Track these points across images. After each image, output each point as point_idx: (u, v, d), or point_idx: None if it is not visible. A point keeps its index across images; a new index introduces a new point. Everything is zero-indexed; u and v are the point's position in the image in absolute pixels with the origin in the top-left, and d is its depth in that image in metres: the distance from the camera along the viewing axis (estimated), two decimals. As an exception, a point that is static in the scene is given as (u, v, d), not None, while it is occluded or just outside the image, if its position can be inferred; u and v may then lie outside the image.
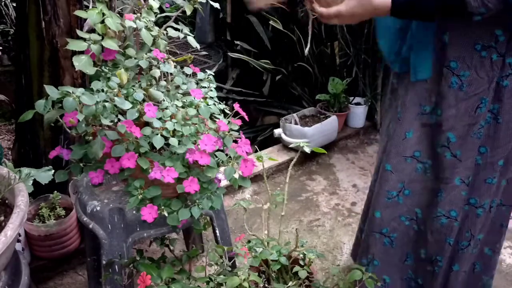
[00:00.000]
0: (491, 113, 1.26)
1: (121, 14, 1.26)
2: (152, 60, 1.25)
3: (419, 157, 1.36)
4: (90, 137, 1.15)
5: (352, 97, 2.97)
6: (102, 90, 1.11)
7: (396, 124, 1.36)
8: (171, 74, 1.33)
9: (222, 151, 1.19)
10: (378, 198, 1.44)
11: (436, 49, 1.23)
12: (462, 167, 1.30)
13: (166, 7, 1.40)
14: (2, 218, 1.15)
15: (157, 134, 1.12)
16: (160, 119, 1.15)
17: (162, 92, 1.24)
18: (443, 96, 1.25)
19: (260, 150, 2.00)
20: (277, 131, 2.71)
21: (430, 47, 1.23)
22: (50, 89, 1.06)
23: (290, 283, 1.24)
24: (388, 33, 1.35)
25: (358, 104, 2.97)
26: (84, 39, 1.14)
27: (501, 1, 1.03)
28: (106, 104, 1.09)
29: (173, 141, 1.12)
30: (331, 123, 2.70)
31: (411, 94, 1.31)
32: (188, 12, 1.31)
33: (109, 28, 1.16)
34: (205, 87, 1.33)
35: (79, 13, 1.19)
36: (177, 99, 1.24)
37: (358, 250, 1.78)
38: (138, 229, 1.29)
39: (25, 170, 1.23)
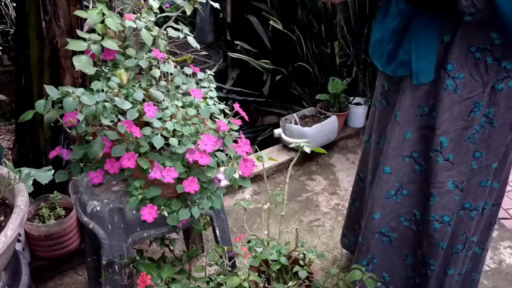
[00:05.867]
0: (486, 118, 1.25)
1: (121, 14, 1.26)
2: (152, 60, 1.24)
3: (417, 158, 1.36)
4: (90, 137, 1.15)
5: (352, 97, 2.97)
6: (102, 90, 1.11)
7: (395, 127, 1.35)
8: (171, 74, 1.33)
9: (222, 151, 1.19)
10: (376, 200, 1.43)
11: (438, 51, 1.22)
12: (455, 171, 1.30)
13: (166, 7, 1.40)
14: (2, 218, 1.15)
15: (157, 134, 1.12)
16: (160, 119, 1.15)
17: (162, 92, 1.24)
18: (439, 99, 1.24)
19: (260, 150, 2.01)
20: (277, 131, 2.71)
21: (433, 51, 1.21)
22: (50, 89, 1.06)
23: (290, 283, 1.24)
24: (383, 33, 1.35)
25: (358, 104, 2.97)
26: (84, 39, 1.14)
27: (490, 6, 1.03)
28: (106, 104, 1.09)
29: (173, 141, 1.12)
30: (331, 123, 2.70)
31: (411, 96, 1.30)
32: (188, 12, 1.31)
33: (109, 28, 1.16)
34: (205, 87, 1.33)
35: (79, 13, 1.19)
36: (177, 99, 1.24)
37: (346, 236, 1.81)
38: (138, 229, 1.29)
39: (25, 170, 1.23)
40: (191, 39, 1.35)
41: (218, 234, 1.47)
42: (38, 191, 1.50)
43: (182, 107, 1.21)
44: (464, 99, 1.22)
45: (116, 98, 1.11)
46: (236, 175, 1.17)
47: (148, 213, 1.14)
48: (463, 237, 1.39)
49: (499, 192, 1.43)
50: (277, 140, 2.77)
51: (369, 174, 1.57)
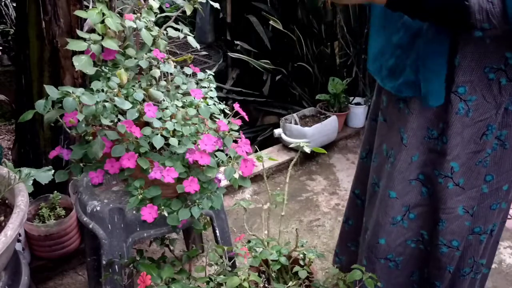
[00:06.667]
0: (498, 140, 1.20)
1: (121, 14, 1.26)
2: (152, 60, 1.24)
3: (423, 180, 1.30)
4: (90, 137, 1.15)
5: (352, 97, 2.97)
6: (102, 90, 1.11)
7: (401, 150, 1.27)
8: (171, 74, 1.33)
9: (222, 151, 1.19)
10: (382, 226, 1.37)
11: (447, 74, 1.14)
12: (465, 196, 1.25)
13: (166, 7, 1.40)
14: (2, 218, 1.15)
15: (157, 134, 1.12)
16: (160, 119, 1.15)
17: (162, 92, 1.24)
18: (450, 124, 1.17)
19: (260, 150, 2.00)
20: (277, 131, 2.71)
21: (443, 74, 1.14)
22: (50, 89, 1.06)
23: (290, 283, 1.24)
24: (384, 45, 1.27)
25: (358, 104, 2.97)
26: (84, 39, 1.14)
27: (507, 20, 0.96)
28: (106, 104, 1.09)
29: (173, 141, 1.12)
30: (331, 123, 2.70)
31: (419, 118, 1.22)
32: (188, 12, 1.31)
33: (109, 28, 1.16)
34: (205, 87, 1.33)
35: (79, 13, 1.19)
36: (177, 99, 1.24)
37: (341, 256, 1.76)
38: (138, 229, 1.29)
39: (25, 170, 1.23)
40: (191, 39, 1.35)
41: (218, 234, 1.47)
42: (38, 191, 1.50)
43: (182, 107, 1.21)
44: (476, 122, 1.16)
45: (116, 98, 1.11)
46: (236, 175, 1.17)
47: (148, 213, 1.14)
48: (471, 260, 1.36)
49: (506, 211, 1.39)
50: (277, 140, 2.77)
51: (367, 192, 1.50)
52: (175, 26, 1.34)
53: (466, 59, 1.11)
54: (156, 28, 1.27)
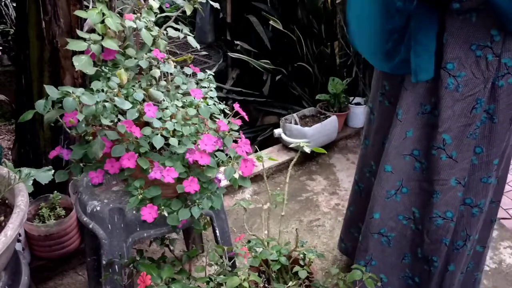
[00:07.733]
0: (487, 113, 1.26)
1: (121, 14, 1.26)
2: (152, 60, 1.25)
3: (418, 156, 1.37)
4: (90, 137, 1.16)
5: (352, 97, 2.97)
6: (102, 90, 1.11)
7: (396, 125, 1.35)
8: (171, 74, 1.33)
9: (222, 151, 1.19)
10: (377, 200, 1.44)
11: (436, 51, 1.23)
12: (458, 168, 1.31)
13: (166, 7, 1.40)
14: (2, 218, 1.15)
15: (157, 134, 1.12)
16: (160, 119, 1.15)
17: (162, 92, 1.24)
18: (441, 98, 1.25)
19: (260, 150, 2.00)
20: (277, 131, 2.71)
21: (432, 49, 1.22)
22: (50, 89, 1.06)
23: (290, 283, 1.24)
24: (375, 32, 1.32)
25: (358, 104, 2.96)
26: (84, 39, 1.14)
27: None
28: (106, 104, 1.09)
29: (173, 141, 1.12)
30: (331, 123, 2.70)
31: (412, 94, 1.30)
32: (188, 12, 1.31)
33: (109, 28, 1.16)
34: (205, 87, 1.33)
35: (79, 13, 1.19)
36: (177, 99, 1.24)
37: (348, 246, 1.80)
38: (138, 229, 1.29)
39: (25, 170, 1.23)
40: (191, 39, 1.35)
41: (218, 234, 1.47)
42: (38, 191, 1.50)
43: (182, 107, 1.21)
44: (466, 96, 1.23)
45: (116, 98, 1.11)
46: (236, 175, 1.17)
47: (148, 213, 1.14)
48: (463, 233, 1.40)
49: (498, 189, 1.44)
50: (277, 140, 2.77)
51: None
52: (175, 26, 1.34)
53: (453, 37, 1.19)
54: (156, 28, 1.28)
